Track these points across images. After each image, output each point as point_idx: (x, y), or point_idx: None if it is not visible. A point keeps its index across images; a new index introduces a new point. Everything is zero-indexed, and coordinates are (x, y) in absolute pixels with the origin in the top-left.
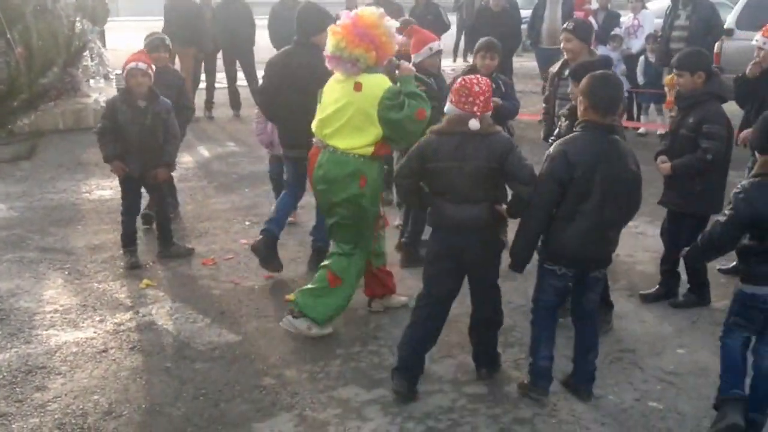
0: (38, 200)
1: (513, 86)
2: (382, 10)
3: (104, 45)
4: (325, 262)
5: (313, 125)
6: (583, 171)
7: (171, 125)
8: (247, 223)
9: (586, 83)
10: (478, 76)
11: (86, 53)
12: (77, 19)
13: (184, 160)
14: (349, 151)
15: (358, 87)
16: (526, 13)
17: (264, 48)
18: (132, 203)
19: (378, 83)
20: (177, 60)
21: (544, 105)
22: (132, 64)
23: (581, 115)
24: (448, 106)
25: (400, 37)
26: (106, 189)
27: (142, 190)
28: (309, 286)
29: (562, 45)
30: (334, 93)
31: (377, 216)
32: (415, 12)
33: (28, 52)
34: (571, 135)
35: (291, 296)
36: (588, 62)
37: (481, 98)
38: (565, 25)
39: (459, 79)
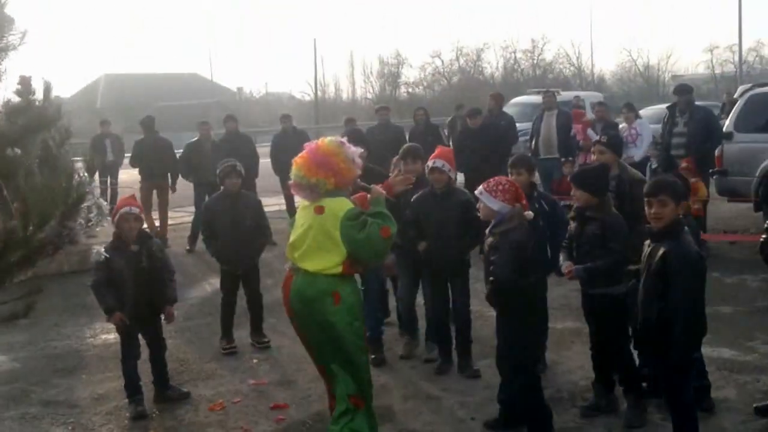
0: (41, 349)
1: (555, 203)
2: (343, 139)
3: (117, 181)
4: (339, 392)
5: (287, 250)
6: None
7: (167, 262)
8: (254, 360)
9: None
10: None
11: (85, 205)
12: (76, 170)
13: (189, 296)
14: (318, 272)
15: (319, 210)
16: (522, 126)
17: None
18: (132, 350)
19: (339, 205)
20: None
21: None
22: (125, 209)
23: (673, 213)
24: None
25: (360, 162)
26: (111, 333)
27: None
28: (341, 418)
29: (594, 156)
30: (300, 218)
31: (362, 334)
32: (415, 133)
33: (24, 207)
34: (683, 235)
35: None
36: (589, 168)
37: None
38: (598, 139)
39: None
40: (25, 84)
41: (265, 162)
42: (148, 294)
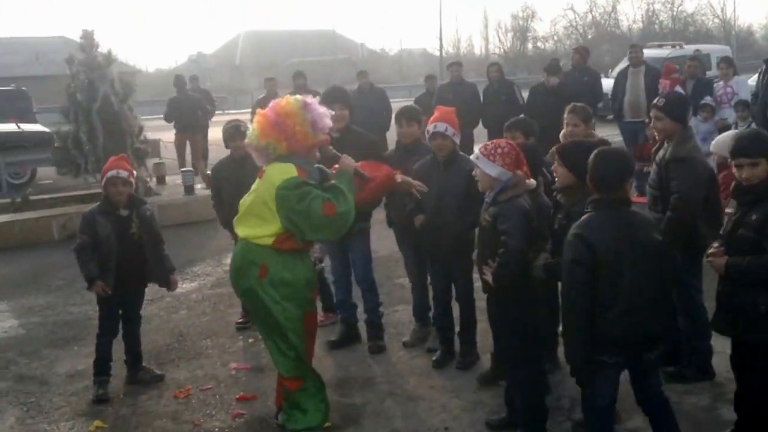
0: (56, 314)
1: None
2: (308, 98)
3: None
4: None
5: None
6: (606, 250)
7: (157, 231)
8: (250, 340)
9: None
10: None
11: None
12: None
13: (226, 261)
14: (247, 239)
15: (260, 174)
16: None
17: None
18: (112, 324)
19: (279, 172)
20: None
21: None
22: (112, 172)
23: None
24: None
25: (327, 125)
26: None
27: None
28: (283, 405)
29: (651, 123)
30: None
31: (296, 317)
32: (489, 91)
33: None
34: (585, 216)
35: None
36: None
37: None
38: (655, 101)
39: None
40: (87, 37)
41: None
42: (134, 263)
